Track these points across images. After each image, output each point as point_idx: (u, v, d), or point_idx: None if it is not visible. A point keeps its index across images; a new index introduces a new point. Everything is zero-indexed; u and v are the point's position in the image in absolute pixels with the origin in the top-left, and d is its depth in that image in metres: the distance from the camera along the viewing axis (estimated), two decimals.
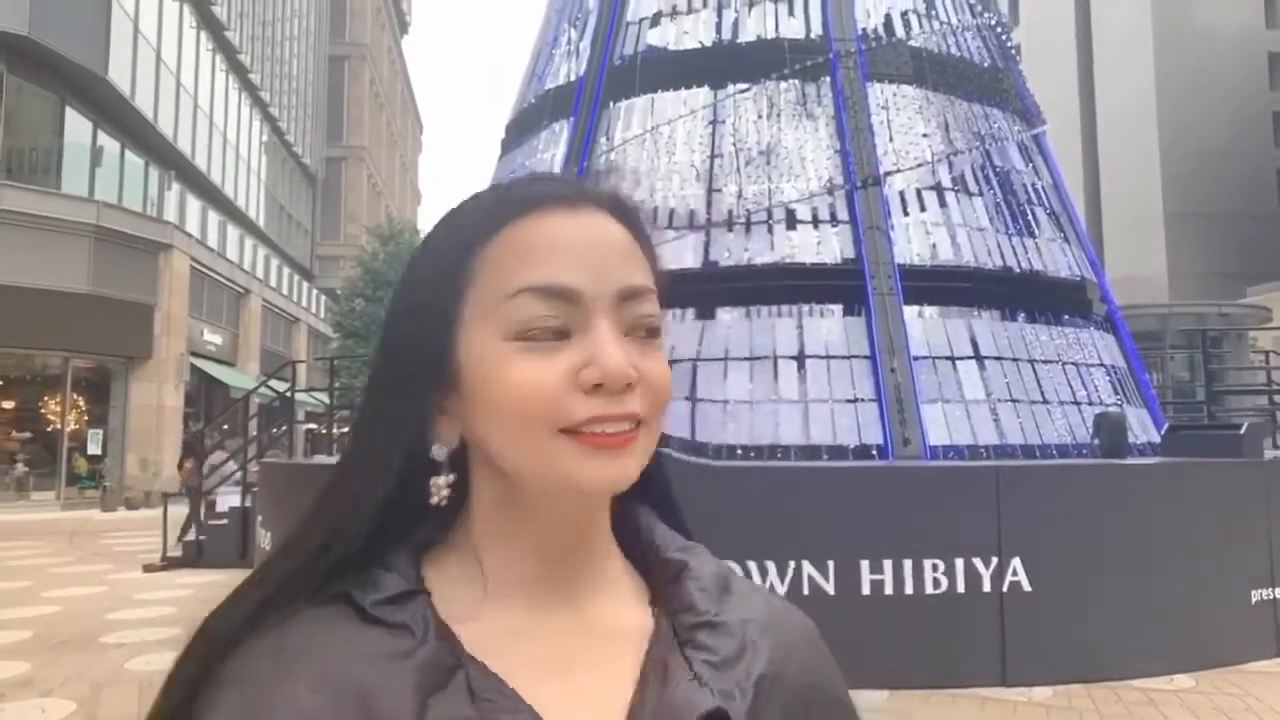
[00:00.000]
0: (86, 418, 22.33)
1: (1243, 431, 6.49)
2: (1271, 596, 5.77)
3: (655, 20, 9.48)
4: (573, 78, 9.44)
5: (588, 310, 0.56)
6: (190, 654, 0.57)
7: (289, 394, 11.94)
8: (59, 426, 21.09)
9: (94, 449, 21.61)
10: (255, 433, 14.06)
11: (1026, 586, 5.22)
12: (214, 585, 9.05)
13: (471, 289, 0.58)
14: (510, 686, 0.54)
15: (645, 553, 0.68)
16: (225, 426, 20.94)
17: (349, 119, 48.16)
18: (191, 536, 10.95)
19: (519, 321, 0.56)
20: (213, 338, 25.89)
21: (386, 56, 57.11)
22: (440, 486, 0.60)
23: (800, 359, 7.50)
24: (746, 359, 7.52)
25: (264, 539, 7.66)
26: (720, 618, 0.64)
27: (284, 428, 15.17)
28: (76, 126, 21.94)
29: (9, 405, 20.95)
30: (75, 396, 21.46)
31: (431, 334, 0.58)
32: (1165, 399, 14.19)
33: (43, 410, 21.24)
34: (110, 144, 23.33)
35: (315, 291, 39.64)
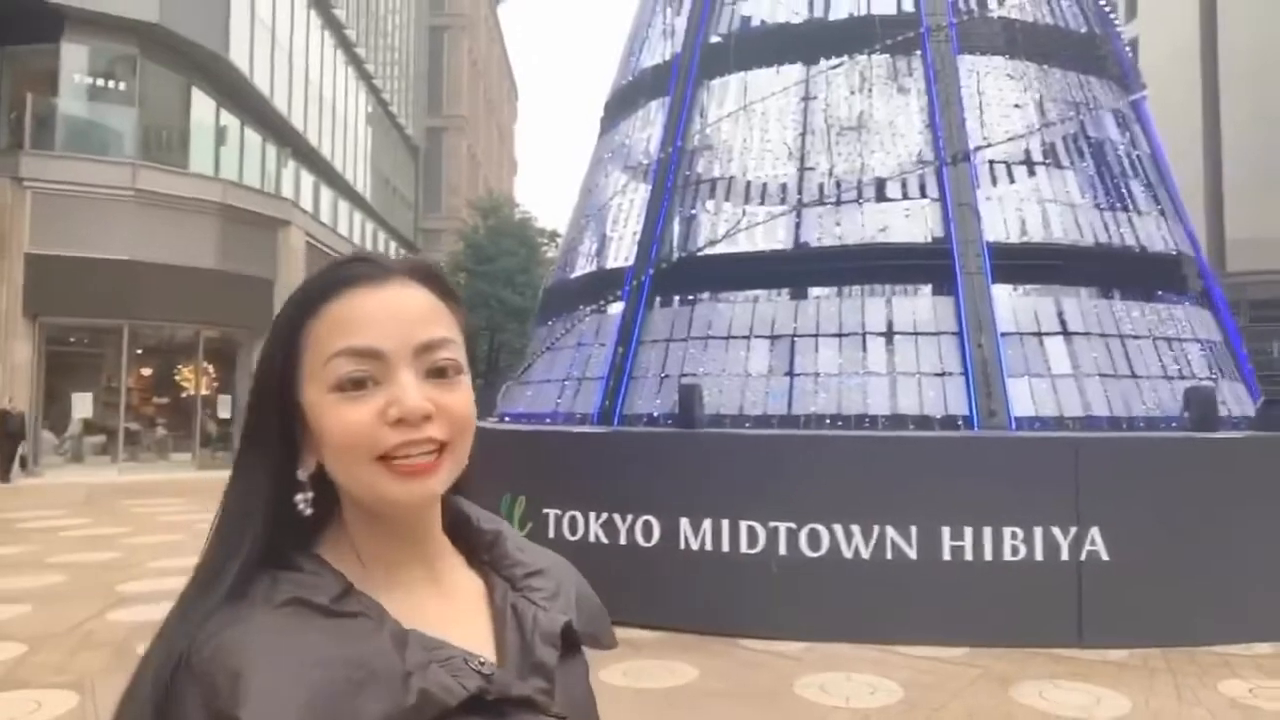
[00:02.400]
0: (216, 384, 24.00)
1: None
2: None
3: None
4: (668, 57, 9.75)
5: (390, 363, 0.72)
6: (163, 650, 0.68)
7: None
8: (192, 393, 22.77)
9: (224, 414, 23.25)
10: None
11: (1105, 556, 5.44)
12: None
13: (304, 355, 0.74)
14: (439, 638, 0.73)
15: (459, 526, 0.85)
16: None
17: (448, 89, 49.25)
18: None
19: (336, 378, 0.72)
20: None
21: (484, 25, 57.99)
22: (301, 500, 0.74)
23: (889, 335, 7.75)
24: (836, 335, 7.81)
25: None
26: (537, 566, 0.85)
27: None
28: (202, 107, 23.33)
29: (148, 373, 22.63)
30: (206, 365, 23.09)
31: (276, 391, 0.75)
32: None
33: (177, 378, 22.91)
34: (232, 122, 24.73)
35: None
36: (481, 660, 0.73)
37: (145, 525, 11.31)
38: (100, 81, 21.03)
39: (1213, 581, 5.54)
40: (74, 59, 20.26)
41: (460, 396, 0.75)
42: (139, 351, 21.86)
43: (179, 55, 21.67)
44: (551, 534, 6.28)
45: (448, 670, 0.70)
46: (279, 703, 0.62)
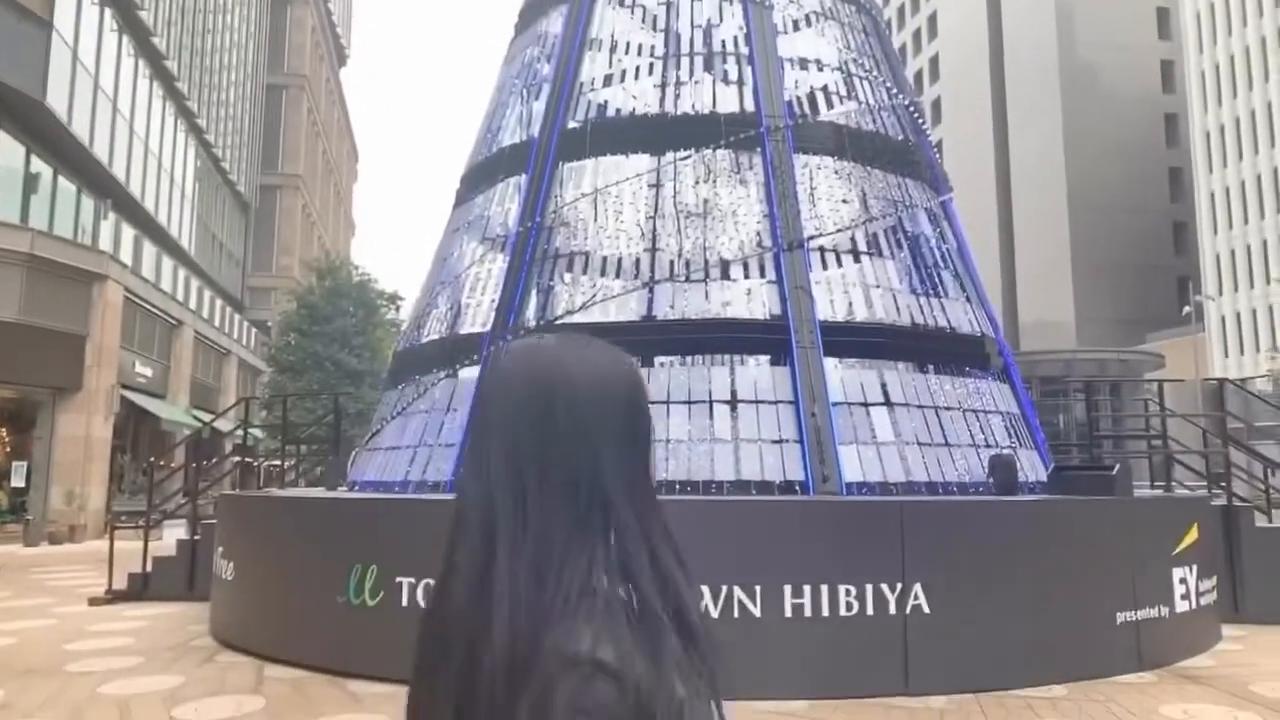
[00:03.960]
0: (8, 449, 21.86)
1: (1114, 472, 7.42)
2: (1134, 618, 6.65)
3: (607, 81, 10.30)
4: (525, 138, 10.14)
5: None
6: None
7: (239, 429, 12.21)
8: None
9: (17, 481, 21.17)
10: (189, 466, 14.13)
11: (926, 609, 5.99)
12: (167, 617, 9.21)
13: None
14: None
15: None
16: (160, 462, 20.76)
17: (285, 147, 47.98)
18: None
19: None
20: (144, 369, 25.58)
21: (324, 87, 57.08)
22: None
23: (733, 403, 8.27)
24: (685, 402, 8.25)
25: (225, 569, 7.98)
26: None
27: (214, 461, 15.27)
28: (9, 151, 21.74)
29: None
30: None
31: None
32: (1070, 439, 15.38)
33: None
34: (44, 169, 23.13)
35: (246, 323, 39.22)
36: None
37: None
38: None
39: (1017, 630, 6.18)
40: None
41: None
42: None
43: None
44: (405, 602, 6.23)
45: None
46: None
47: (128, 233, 26.76)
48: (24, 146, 22.15)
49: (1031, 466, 8.76)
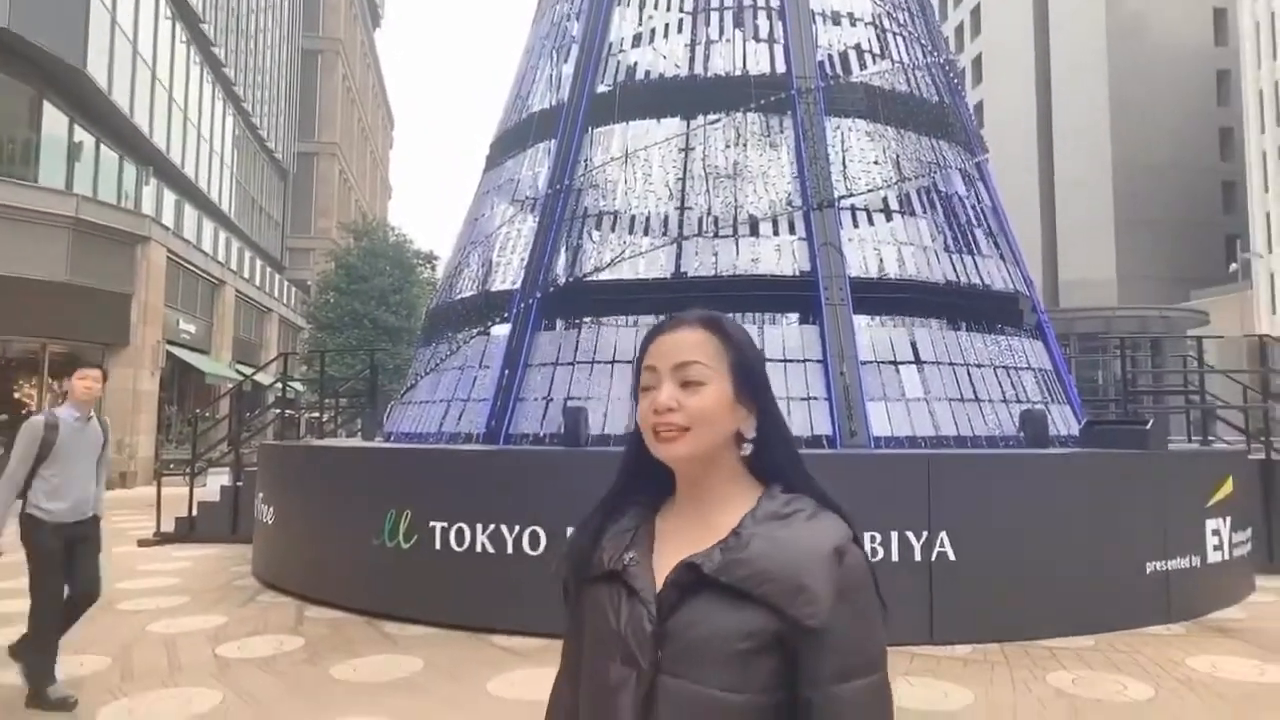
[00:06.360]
0: (61, 400, 22.54)
1: (1148, 427, 7.36)
2: (1164, 569, 6.64)
3: (636, 41, 10.24)
4: (555, 103, 10.14)
5: (660, 375, 1.11)
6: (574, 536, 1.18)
7: (279, 382, 12.50)
8: (34, 410, 21.31)
9: None
10: (233, 416, 14.52)
11: (952, 557, 6.04)
12: (211, 558, 9.59)
13: (641, 371, 1.15)
14: (647, 551, 1.10)
15: (763, 497, 1.12)
16: (205, 413, 21.31)
17: (321, 114, 48.21)
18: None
19: (641, 384, 1.14)
20: (188, 326, 26.16)
21: (359, 50, 57.11)
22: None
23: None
24: None
25: (266, 514, 8.25)
26: (747, 530, 1.05)
27: (256, 412, 15.64)
28: (54, 120, 22.11)
29: None
30: (51, 380, 21.70)
31: (633, 392, 1.16)
32: (1108, 396, 15.21)
33: (17, 394, 21.44)
34: (86, 138, 23.51)
35: (286, 283, 39.80)
36: (634, 556, 1.10)
37: None
38: None
39: (1042, 581, 6.21)
40: None
41: (696, 399, 1.09)
42: None
43: (28, 63, 20.53)
44: (438, 545, 6.41)
45: (614, 549, 1.12)
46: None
47: (169, 198, 27.16)
48: (67, 117, 22.51)
49: (1064, 421, 8.71)
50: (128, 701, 4.91)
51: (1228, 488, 7.34)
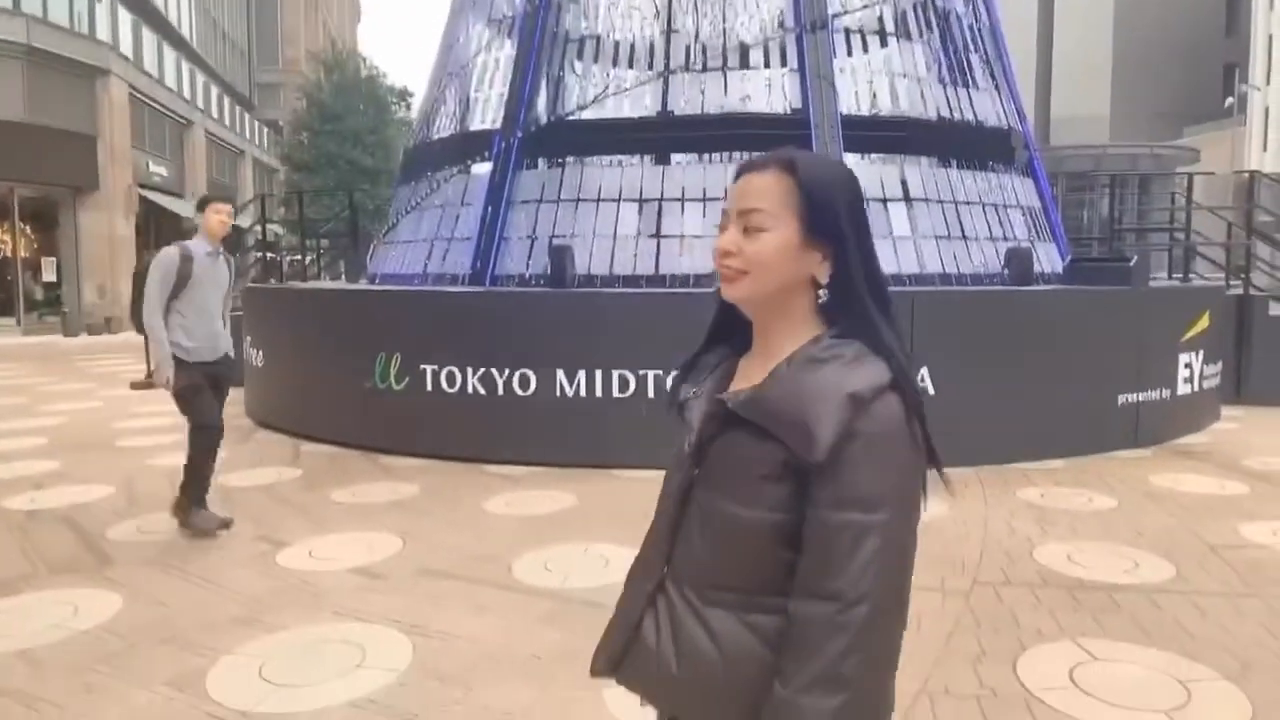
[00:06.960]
0: (36, 246, 22.16)
1: (1131, 264, 7.41)
2: (1135, 400, 6.88)
3: None
4: None
5: (731, 219, 1.13)
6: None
7: (258, 225, 12.28)
8: (9, 254, 20.98)
9: (49, 276, 21.61)
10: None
11: (931, 390, 6.20)
12: None
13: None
14: (723, 386, 1.18)
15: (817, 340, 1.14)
16: None
17: None
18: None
19: (720, 224, 1.16)
20: (158, 169, 25.43)
21: None
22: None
23: None
24: (700, 200, 8.18)
25: (255, 356, 8.31)
26: (780, 372, 1.09)
27: (235, 255, 15.45)
28: None
29: None
30: (23, 225, 21.24)
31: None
32: (1093, 234, 15.22)
33: None
34: None
35: (257, 123, 38.38)
36: (696, 391, 1.23)
37: None
38: None
39: (1018, 410, 6.42)
40: None
41: (754, 245, 1.10)
42: None
43: None
44: (429, 387, 6.52)
45: (691, 384, 1.25)
46: None
47: (125, 17, 25.54)
48: None
49: (1049, 259, 8.74)
50: (135, 522, 5.13)
51: (1204, 322, 7.49)
